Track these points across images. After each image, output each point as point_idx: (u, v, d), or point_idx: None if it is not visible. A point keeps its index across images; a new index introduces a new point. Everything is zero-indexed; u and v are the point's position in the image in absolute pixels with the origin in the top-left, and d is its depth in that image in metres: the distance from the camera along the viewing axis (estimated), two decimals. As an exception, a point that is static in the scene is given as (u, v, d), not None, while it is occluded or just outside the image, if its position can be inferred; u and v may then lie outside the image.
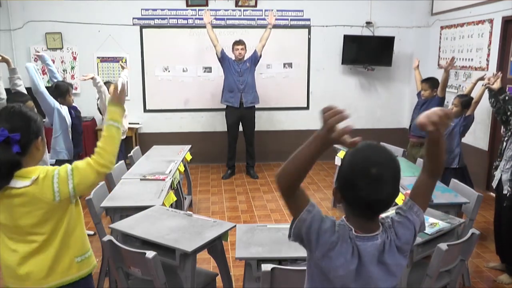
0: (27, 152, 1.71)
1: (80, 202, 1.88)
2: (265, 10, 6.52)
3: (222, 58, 5.80)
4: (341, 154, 4.74)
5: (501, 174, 3.29)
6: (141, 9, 6.39)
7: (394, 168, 1.24)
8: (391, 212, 1.37)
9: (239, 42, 5.80)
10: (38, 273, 1.74)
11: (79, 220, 1.86)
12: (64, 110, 3.98)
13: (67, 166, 1.72)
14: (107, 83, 4.92)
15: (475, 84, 4.34)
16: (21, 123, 1.70)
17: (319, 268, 1.27)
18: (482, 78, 4.16)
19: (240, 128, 6.10)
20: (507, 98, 3.39)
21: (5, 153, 1.63)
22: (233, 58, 5.84)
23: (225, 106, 6.03)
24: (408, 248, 1.30)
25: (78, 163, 1.73)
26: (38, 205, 1.68)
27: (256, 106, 6.11)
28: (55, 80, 4.33)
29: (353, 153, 1.24)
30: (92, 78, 4.59)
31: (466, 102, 4.01)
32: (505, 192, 3.22)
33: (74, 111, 4.21)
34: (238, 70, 5.80)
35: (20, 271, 1.74)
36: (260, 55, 5.87)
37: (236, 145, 6.09)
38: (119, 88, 1.90)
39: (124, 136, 5.07)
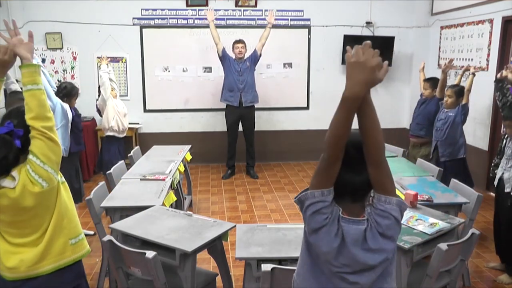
0: (26, 151, 1.73)
1: (66, 184, 1.89)
2: (265, 10, 6.52)
3: (223, 57, 5.81)
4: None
5: (503, 173, 3.28)
6: (141, 9, 6.39)
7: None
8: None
9: (239, 41, 5.82)
10: (30, 260, 1.75)
11: (69, 201, 1.87)
12: (66, 106, 4.01)
13: (29, 154, 1.72)
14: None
15: (462, 75, 4.42)
16: (26, 123, 1.72)
17: (308, 241, 1.36)
18: (467, 69, 4.33)
19: (240, 128, 6.10)
20: None
21: (9, 145, 1.67)
22: (234, 57, 5.84)
23: (225, 106, 6.04)
24: (393, 233, 1.33)
25: (30, 146, 1.72)
26: (33, 200, 1.70)
27: (256, 106, 6.11)
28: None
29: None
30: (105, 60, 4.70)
31: (459, 90, 4.08)
32: (507, 190, 3.21)
33: (74, 110, 4.24)
34: (238, 69, 5.80)
35: (9, 264, 1.75)
36: (260, 54, 5.87)
37: (236, 145, 6.09)
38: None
39: (124, 135, 5.07)
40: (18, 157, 1.72)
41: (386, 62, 1.20)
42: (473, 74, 4.15)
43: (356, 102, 1.21)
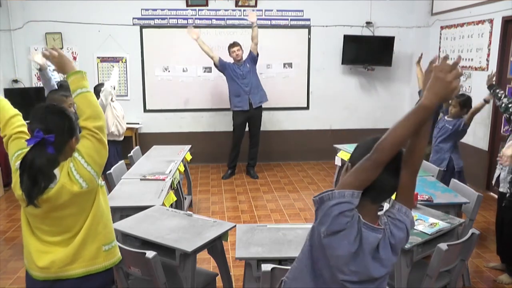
0: (61, 152, 1.71)
1: (105, 188, 1.86)
2: (265, 10, 6.52)
3: (222, 67, 5.76)
4: (341, 154, 4.75)
5: (500, 172, 3.29)
6: (141, 9, 6.39)
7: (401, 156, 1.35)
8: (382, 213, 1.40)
9: (233, 44, 5.77)
10: (61, 261, 1.73)
11: (106, 206, 1.85)
12: None
13: (74, 153, 1.72)
14: (100, 85, 4.90)
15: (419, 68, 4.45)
16: (56, 124, 1.70)
17: (317, 247, 1.33)
18: (418, 61, 4.58)
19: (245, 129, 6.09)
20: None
21: (41, 154, 1.64)
22: (232, 61, 5.82)
23: (228, 107, 6.03)
24: (400, 248, 1.36)
25: (77, 145, 1.74)
26: (69, 198, 1.68)
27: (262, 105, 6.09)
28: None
29: (370, 139, 1.34)
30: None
31: (464, 101, 3.98)
32: (501, 190, 3.22)
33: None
34: (241, 73, 5.78)
35: (40, 263, 1.73)
36: (257, 54, 5.83)
37: (241, 146, 6.08)
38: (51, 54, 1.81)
39: (122, 138, 5.05)
40: (56, 161, 1.68)
41: (461, 84, 1.25)
42: (486, 101, 4.04)
43: (431, 112, 1.24)
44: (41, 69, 4.20)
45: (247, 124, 6.03)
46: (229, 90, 5.93)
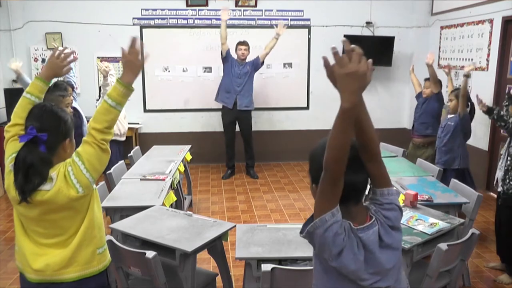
0: (54, 153, 1.70)
1: (97, 191, 1.86)
2: (265, 10, 6.52)
3: (226, 58, 5.78)
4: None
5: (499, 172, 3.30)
6: (141, 9, 6.39)
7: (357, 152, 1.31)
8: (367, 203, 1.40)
9: (243, 43, 5.79)
10: (56, 264, 1.72)
11: (98, 209, 1.84)
12: None
13: (73, 156, 1.71)
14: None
15: (450, 79, 4.46)
16: (51, 123, 1.69)
17: (330, 267, 1.30)
18: (412, 70, 4.93)
19: (237, 129, 6.09)
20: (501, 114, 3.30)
21: (34, 152, 1.63)
22: (236, 58, 5.83)
23: (221, 106, 6.04)
24: (399, 223, 1.36)
25: (79, 149, 1.72)
26: (65, 202, 1.67)
27: (256, 106, 6.10)
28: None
29: (321, 146, 1.28)
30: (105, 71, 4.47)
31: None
32: (499, 190, 3.22)
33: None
34: (238, 72, 5.79)
35: (35, 266, 1.72)
36: (262, 62, 5.84)
37: (235, 145, 6.09)
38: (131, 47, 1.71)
39: (125, 138, 5.05)
40: (49, 160, 1.67)
41: (370, 61, 1.16)
42: (466, 76, 3.92)
43: (356, 110, 1.19)
44: (17, 76, 4.07)
45: (237, 124, 6.03)
46: (220, 82, 5.94)
